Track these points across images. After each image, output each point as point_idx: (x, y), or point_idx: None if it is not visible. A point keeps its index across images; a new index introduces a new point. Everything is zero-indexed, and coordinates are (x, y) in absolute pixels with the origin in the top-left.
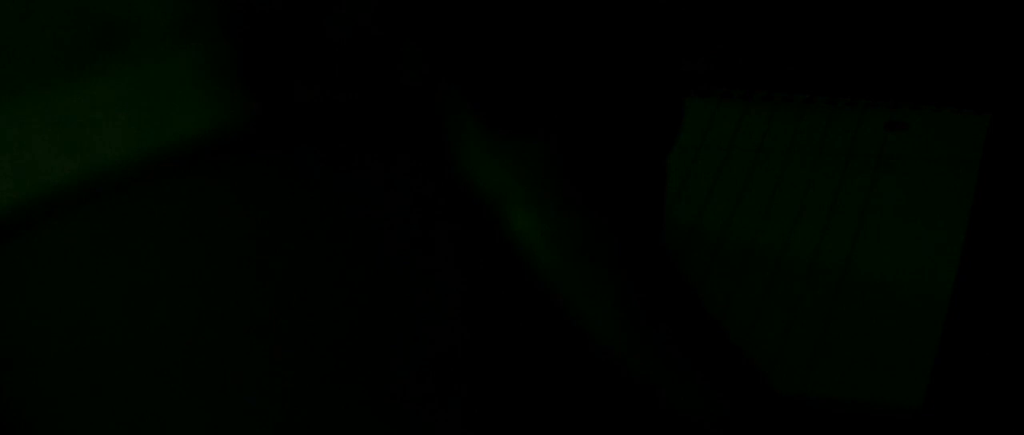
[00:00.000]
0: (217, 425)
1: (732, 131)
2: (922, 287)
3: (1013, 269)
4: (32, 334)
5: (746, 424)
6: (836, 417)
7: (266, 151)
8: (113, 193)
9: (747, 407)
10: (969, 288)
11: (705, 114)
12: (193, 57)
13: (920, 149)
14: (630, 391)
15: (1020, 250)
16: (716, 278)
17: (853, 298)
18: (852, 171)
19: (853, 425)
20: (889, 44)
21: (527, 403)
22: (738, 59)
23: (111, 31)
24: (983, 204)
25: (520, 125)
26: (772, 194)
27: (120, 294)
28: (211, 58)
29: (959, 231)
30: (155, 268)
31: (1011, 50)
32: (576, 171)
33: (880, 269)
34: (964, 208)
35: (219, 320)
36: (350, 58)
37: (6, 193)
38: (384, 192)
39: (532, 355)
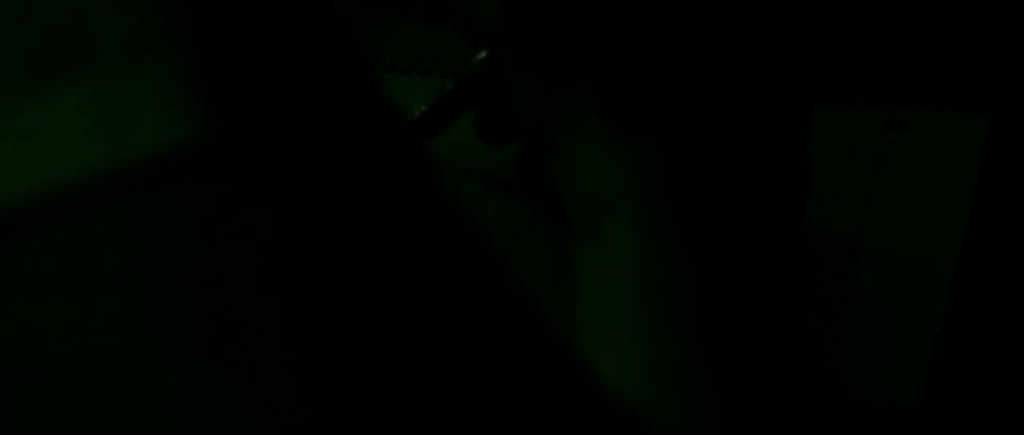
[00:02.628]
0: None
1: None
2: (921, 287)
3: (1013, 269)
4: None
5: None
6: (836, 417)
7: (233, 164)
8: (75, 209)
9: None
10: (969, 288)
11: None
12: (157, 70)
13: (920, 149)
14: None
15: (1020, 250)
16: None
17: (852, 297)
18: (852, 171)
19: (853, 425)
20: (889, 44)
21: (489, 413)
22: (738, 59)
23: (74, 44)
24: (983, 204)
25: (641, 123)
26: None
27: (76, 313)
28: (176, 71)
29: (959, 231)
30: (116, 285)
31: (1011, 50)
32: (690, 176)
33: (879, 268)
34: (964, 208)
35: (182, 337)
36: (330, 63)
37: None
38: (351, 202)
39: (495, 363)
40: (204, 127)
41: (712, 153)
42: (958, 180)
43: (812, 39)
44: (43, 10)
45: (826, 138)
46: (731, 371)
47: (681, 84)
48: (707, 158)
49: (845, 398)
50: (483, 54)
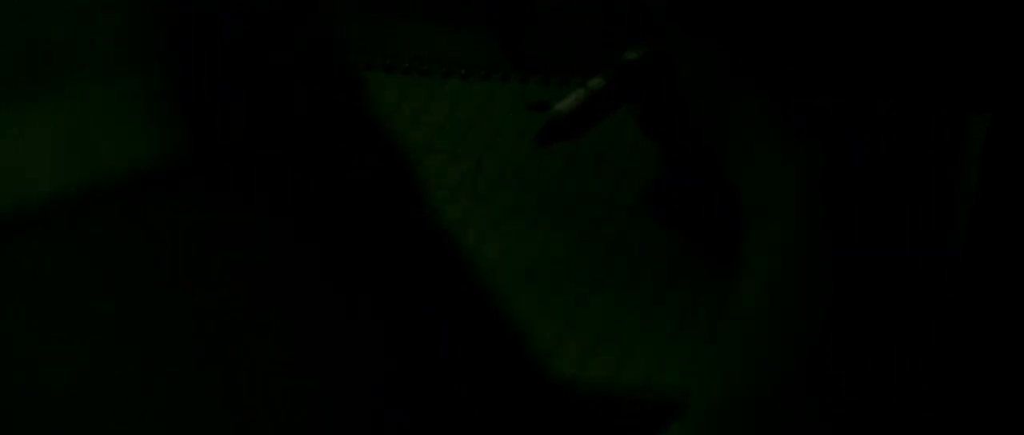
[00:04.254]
0: None
1: None
2: None
3: (1013, 269)
4: None
5: None
6: None
7: (207, 177)
8: (42, 227)
9: None
10: (969, 288)
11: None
12: (128, 88)
13: None
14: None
15: (1020, 250)
16: (716, 277)
17: None
18: None
19: None
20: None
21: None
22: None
23: (46, 61)
24: (983, 204)
25: (814, 131)
26: None
27: (46, 329)
28: (147, 90)
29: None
30: (85, 302)
31: (1011, 50)
32: (850, 189)
33: None
34: (964, 208)
35: (151, 353)
36: (291, 82)
37: None
38: (327, 210)
39: (459, 375)
40: (178, 142)
41: (873, 170)
42: (958, 180)
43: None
44: (14, 27)
45: None
46: (831, 399)
47: (851, 95)
48: (868, 173)
49: None
50: (637, 52)
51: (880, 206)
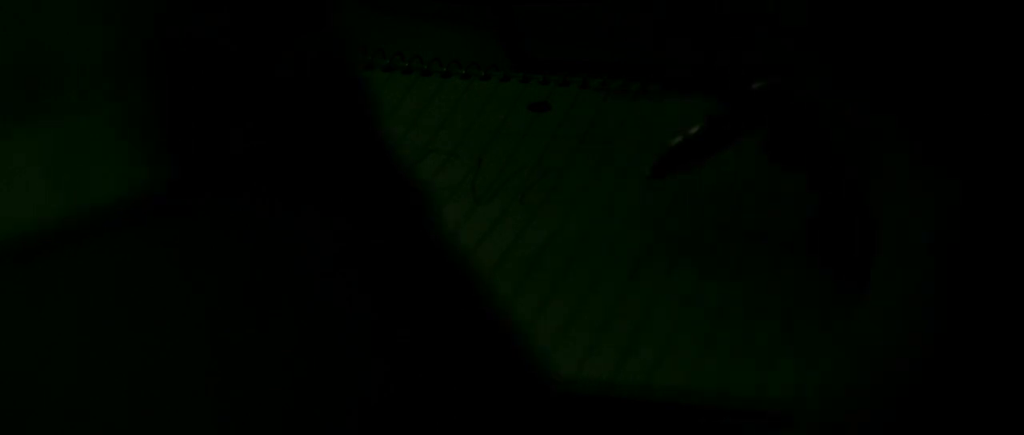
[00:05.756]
0: None
1: None
2: None
3: (1013, 268)
4: None
5: None
6: None
7: (194, 203)
8: (26, 257)
9: None
10: None
11: (705, 114)
12: (119, 113)
13: None
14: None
15: (1020, 250)
16: (718, 277)
17: (852, 295)
18: None
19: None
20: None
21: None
22: (739, 59)
23: (30, 87)
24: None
25: (951, 159)
26: (774, 192)
27: (33, 361)
28: (135, 115)
29: None
30: (70, 334)
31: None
32: (988, 222)
33: None
34: None
35: (138, 385)
36: (292, 102)
37: None
38: (310, 237)
39: (453, 391)
40: (167, 168)
41: (1015, 205)
42: None
43: None
44: None
45: None
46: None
47: (996, 126)
48: (1009, 209)
49: None
50: (763, 81)
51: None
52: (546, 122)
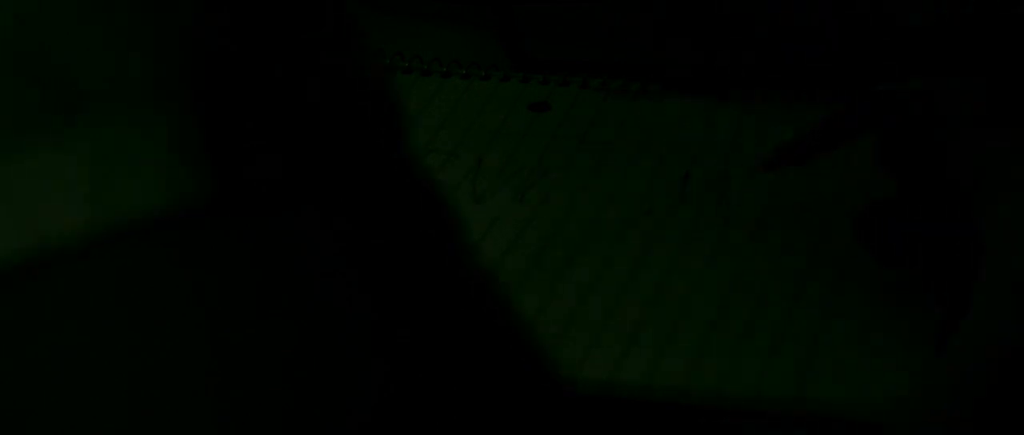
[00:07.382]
0: None
1: (733, 131)
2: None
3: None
4: None
5: None
6: (837, 418)
7: (233, 218)
8: (65, 268)
9: None
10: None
11: (705, 114)
12: (157, 129)
13: None
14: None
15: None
16: (717, 276)
17: (850, 295)
18: (852, 170)
19: (854, 425)
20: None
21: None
22: (739, 59)
23: (71, 97)
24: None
25: None
26: (774, 192)
27: (64, 370)
28: (175, 130)
29: None
30: (108, 345)
31: (1010, 49)
32: None
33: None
34: None
35: (175, 395)
36: (325, 120)
37: None
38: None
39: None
40: (205, 182)
41: None
42: None
43: None
44: (38, 66)
45: None
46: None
47: None
48: None
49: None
50: (890, 84)
51: None
52: (546, 122)
